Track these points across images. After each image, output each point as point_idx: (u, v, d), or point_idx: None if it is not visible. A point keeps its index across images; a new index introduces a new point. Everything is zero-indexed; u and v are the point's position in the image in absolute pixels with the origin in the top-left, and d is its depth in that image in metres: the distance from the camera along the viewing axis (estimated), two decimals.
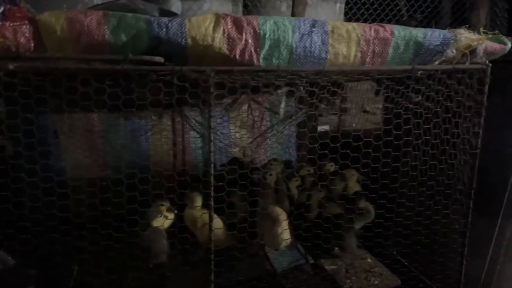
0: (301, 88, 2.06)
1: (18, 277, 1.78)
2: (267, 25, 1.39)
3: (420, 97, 1.64)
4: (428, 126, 1.65)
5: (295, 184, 2.31)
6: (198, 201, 1.98)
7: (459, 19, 4.69)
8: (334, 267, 2.00)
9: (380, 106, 2.58)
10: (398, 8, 4.94)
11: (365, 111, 2.75)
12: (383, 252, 2.09)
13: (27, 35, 1.26)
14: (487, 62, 1.55)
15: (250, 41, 1.38)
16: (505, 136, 1.86)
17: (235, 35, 1.37)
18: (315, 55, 1.45)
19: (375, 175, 1.67)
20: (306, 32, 1.43)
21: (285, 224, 1.90)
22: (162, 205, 2.07)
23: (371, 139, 1.59)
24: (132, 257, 1.78)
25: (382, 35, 1.48)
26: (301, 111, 2.35)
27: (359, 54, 1.48)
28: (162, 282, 1.83)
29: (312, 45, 1.43)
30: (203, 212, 1.87)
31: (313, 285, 1.87)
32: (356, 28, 1.46)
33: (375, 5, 4.73)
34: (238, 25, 1.38)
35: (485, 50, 1.52)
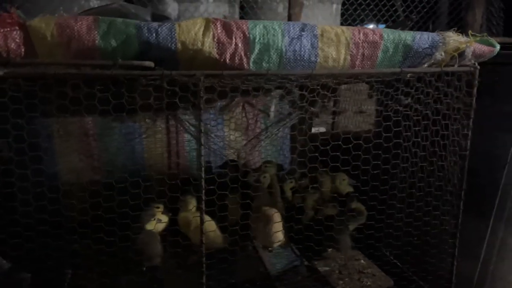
0: (295, 90, 2.07)
1: (13, 281, 1.79)
2: (256, 29, 1.40)
3: (409, 100, 1.65)
4: (418, 128, 1.66)
5: (289, 186, 2.33)
6: (192, 204, 1.99)
7: (456, 19, 4.71)
8: (327, 268, 2.01)
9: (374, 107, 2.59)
10: (394, 8, 4.97)
11: (361, 112, 2.76)
12: (376, 253, 2.10)
13: (17, 40, 1.26)
14: (476, 64, 1.56)
15: (240, 45, 1.39)
16: (495, 138, 1.87)
17: (225, 39, 1.38)
18: (305, 58, 1.46)
19: (365, 177, 1.68)
20: (296, 36, 1.44)
21: (278, 224, 1.92)
22: (157, 207, 2.09)
23: (361, 142, 1.60)
24: (126, 260, 1.79)
25: (371, 38, 1.49)
26: (295, 113, 2.36)
27: (348, 57, 1.49)
28: (156, 286, 1.84)
29: (302, 48, 1.45)
30: (195, 215, 1.88)
31: (306, 287, 1.88)
32: (345, 32, 1.48)
33: (371, 6, 4.75)
34: (227, 30, 1.39)
35: (473, 52, 1.53)
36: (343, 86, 2.43)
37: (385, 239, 1.98)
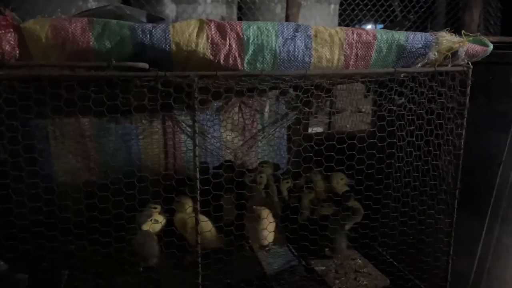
0: (290, 91, 2.08)
1: (10, 282, 1.80)
2: (250, 30, 1.41)
3: (403, 99, 1.66)
4: (412, 127, 1.67)
5: (285, 186, 2.34)
6: (187, 205, 1.99)
7: (453, 19, 4.72)
8: (323, 268, 2.02)
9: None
10: (392, 8, 4.98)
11: (360, 112, 2.77)
12: (372, 252, 2.10)
13: (12, 42, 1.27)
14: (469, 64, 1.57)
15: (234, 46, 1.40)
16: (490, 137, 1.88)
17: (219, 41, 1.39)
18: (298, 59, 1.47)
19: (360, 177, 1.69)
20: (289, 37, 1.45)
21: (269, 223, 1.92)
22: (155, 207, 2.09)
23: (355, 141, 1.61)
24: (123, 261, 1.79)
25: (364, 38, 1.50)
26: (291, 113, 2.37)
27: (342, 58, 1.50)
28: (153, 286, 1.85)
29: (296, 49, 1.46)
30: (191, 216, 1.88)
31: (302, 287, 1.89)
32: (339, 32, 1.48)
33: (369, 6, 4.76)
34: (221, 31, 1.40)
35: (466, 52, 1.54)
36: (339, 86, 2.44)
37: (381, 238, 1.99)
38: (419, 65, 1.56)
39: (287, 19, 3.56)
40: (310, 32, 1.46)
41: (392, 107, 1.67)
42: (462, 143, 1.63)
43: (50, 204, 1.56)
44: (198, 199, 1.49)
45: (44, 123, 2.11)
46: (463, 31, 1.54)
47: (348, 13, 4.76)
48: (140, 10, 1.88)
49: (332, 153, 1.61)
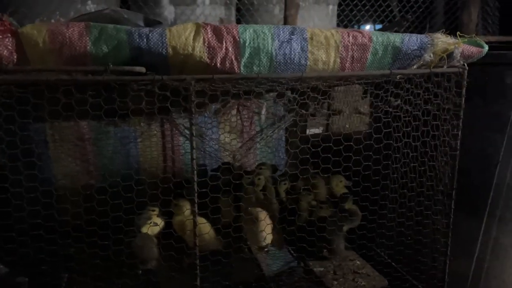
0: (287, 93, 2.09)
1: (11, 285, 1.80)
2: (246, 33, 1.42)
3: (399, 101, 1.67)
4: (408, 129, 1.68)
5: (283, 188, 2.34)
6: (185, 207, 2.00)
7: (451, 19, 4.73)
8: (322, 269, 2.02)
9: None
10: (390, 9, 4.99)
11: (359, 113, 2.78)
12: (370, 253, 2.11)
13: (9, 47, 1.28)
14: (465, 65, 1.58)
15: (230, 49, 1.41)
16: (486, 138, 1.88)
17: (215, 44, 1.40)
18: (295, 62, 1.48)
19: (357, 178, 1.70)
20: (286, 40, 1.46)
21: (265, 223, 1.93)
22: (153, 210, 2.10)
23: (351, 143, 1.62)
24: (122, 264, 1.80)
25: (360, 41, 1.51)
26: (289, 116, 2.37)
27: (338, 60, 1.51)
28: None
29: (292, 52, 1.46)
30: (189, 218, 1.89)
31: None
32: (335, 35, 1.49)
33: (367, 7, 4.78)
34: (218, 34, 1.41)
35: (462, 53, 1.55)
36: (338, 88, 2.45)
37: (379, 239, 2.00)
38: (414, 66, 1.57)
39: (285, 20, 3.57)
40: (306, 35, 1.47)
41: (388, 109, 1.68)
42: (459, 144, 1.64)
43: (49, 208, 1.57)
44: (196, 201, 1.50)
45: (42, 127, 2.12)
46: (458, 33, 1.55)
47: (347, 13, 4.78)
48: (137, 13, 1.88)
49: (329, 155, 1.61)
